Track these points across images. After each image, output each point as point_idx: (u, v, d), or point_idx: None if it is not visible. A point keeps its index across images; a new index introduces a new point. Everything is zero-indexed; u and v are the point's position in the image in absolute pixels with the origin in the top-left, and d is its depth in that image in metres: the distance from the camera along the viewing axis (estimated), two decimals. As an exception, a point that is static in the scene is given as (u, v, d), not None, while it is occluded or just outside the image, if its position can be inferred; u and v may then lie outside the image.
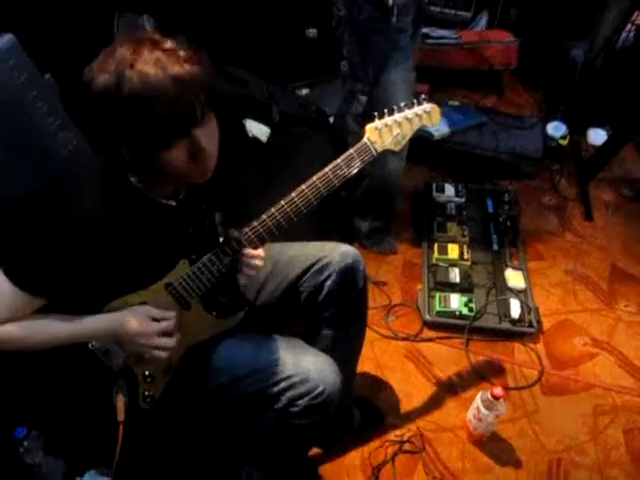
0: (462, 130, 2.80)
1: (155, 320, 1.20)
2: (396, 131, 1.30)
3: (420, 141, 2.68)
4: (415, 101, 1.32)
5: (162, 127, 1.01)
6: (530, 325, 2.10)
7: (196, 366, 1.34)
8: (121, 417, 1.18)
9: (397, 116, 1.29)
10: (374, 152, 1.28)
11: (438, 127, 2.72)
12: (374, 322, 2.12)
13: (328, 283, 1.49)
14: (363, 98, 2.12)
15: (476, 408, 1.75)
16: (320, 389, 1.32)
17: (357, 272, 1.53)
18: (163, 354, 1.21)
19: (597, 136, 3.04)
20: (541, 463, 1.80)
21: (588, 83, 2.91)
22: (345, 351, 1.64)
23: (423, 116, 1.32)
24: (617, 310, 2.26)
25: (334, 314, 1.57)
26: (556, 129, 3.02)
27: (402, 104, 1.30)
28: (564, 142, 2.97)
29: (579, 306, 2.26)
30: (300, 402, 1.33)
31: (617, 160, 2.85)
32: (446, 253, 2.29)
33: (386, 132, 1.29)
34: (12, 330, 1.11)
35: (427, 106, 1.32)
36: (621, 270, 2.42)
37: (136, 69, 0.97)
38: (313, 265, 1.50)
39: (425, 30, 3.04)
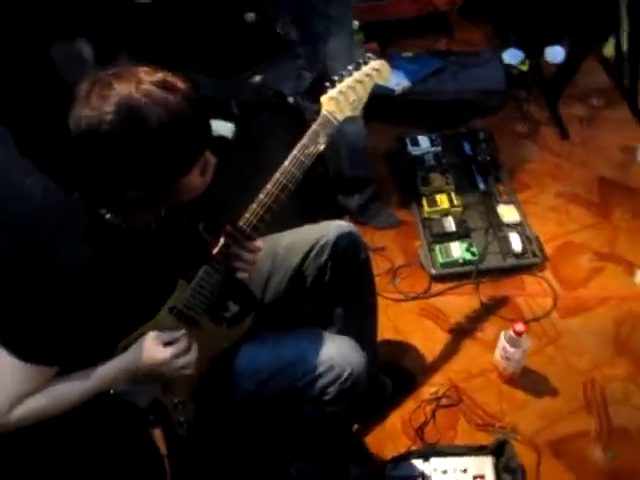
0: (422, 79, 2.76)
1: (168, 344, 1.18)
2: (352, 96, 1.28)
3: (383, 100, 2.66)
4: (361, 61, 1.30)
5: (187, 152, 0.99)
6: (534, 255, 2.11)
7: (220, 379, 1.33)
8: (164, 450, 1.16)
9: (348, 81, 1.28)
10: (335, 122, 1.26)
11: (397, 81, 2.69)
12: (382, 288, 2.11)
13: (331, 262, 1.48)
14: (307, 74, 2.10)
15: (502, 348, 1.77)
16: (347, 372, 1.31)
17: (356, 244, 1.52)
18: (188, 371, 1.19)
19: (555, 53, 3.01)
20: (575, 386, 1.82)
21: (538, 2, 2.88)
22: (362, 326, 1.65)
23: (373, 74, 1.30)
24: (614, 220, 2.28)
25: (343, 291, 1.57)
26: (513, 56, 2.99)
27: (350, 67, 1.28)
28: (524, 67, 2.95)
29: (576, 225, 2.27)
30: (331, 389, 1.32)
31: (580, 73, 2.83)
32: (436, 204, 2.28)
33: (342, 99, 1.27)
34: (37, 402, 1.07)
35: (375, 63, 1.30)
36: (608, 180, 2.43)
37: (154, 98, 0.93)
38: (312, 248, 1.49)
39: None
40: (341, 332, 1.55)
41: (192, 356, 1.20)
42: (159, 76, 0.96)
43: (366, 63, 1.30)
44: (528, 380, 1.85)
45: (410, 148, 2.52)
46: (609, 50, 2.94)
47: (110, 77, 0.95)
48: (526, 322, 1.96)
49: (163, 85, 0.95)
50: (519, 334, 1.68)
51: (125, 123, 0.92)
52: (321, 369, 1.32)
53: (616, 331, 1.95)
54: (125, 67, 0.97)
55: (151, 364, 1.14)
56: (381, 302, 2.03)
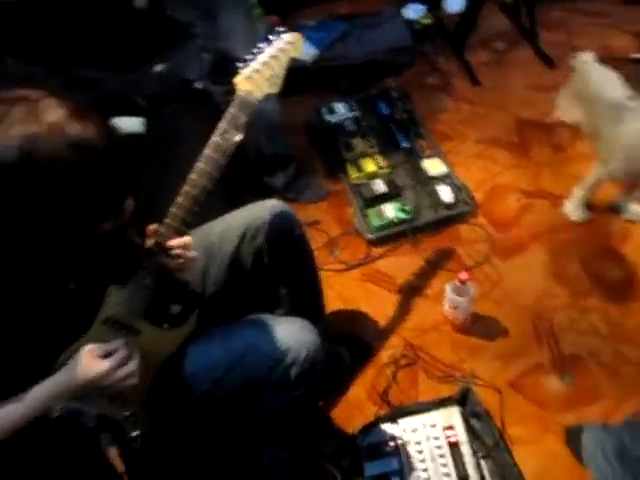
0: (329, 46, 2.72)
1: (106, 355, 1.10)
2: (268, 73, 1.23)
3: (293, 72, 2.58)
4: (274, 36, 1.25)
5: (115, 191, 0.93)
6: (466, 203, 2.14)
7: (172, 384, 1.26)
8: (121, 468, 1.09)
9: (263, 57, 1.23)
10: (255, 101, 1.21)
11: (306, 51, 2.63)
12: (323, 262, 2.07)
13: (267, 243, 1.44)
14: (206, 56, 2.02)
15: (449, 299, 1.78)
16: (304, 354, 1.29)
17: (290, 221, 1.49)
18: (133, 381, 1.11)
19: (454, 3, 3.03)
20: (524, 323, 1.87)
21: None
22: (309, 302, 1.62)
23: (288, 48, 1.27)
24: (535, 157, 2.33)
25: (284, 271, 1.53)
26: (415, 11, 3.00)
27: (263, 44, 1.24)
28: (427, 21, 2.95)
29: (500, 167, 2.31)
30: (290, 374, 1.29)
31: (481, 20, 2.87)
32: (362, 169, 2.26)
33: (258, 77, 1.22)
34: None
35: (288, 37, 1.27)
36: (524, 119, 2.48)
37: (68, 134, 0.86)
38: (245, 233, 1.44)
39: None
40: (290, 312, 1.53)
41: (134, 365, 1.12)
42: (65, 111, 0.87)
43: (280, 36, 1.26)
44: (479, 325, 1.87)
45: (327, 117, 2.48)
46: (506, -6, 2.99)
47: (11, 107, 0.86)
48: (468, 270, 1.98)
49: (72, 118, 0.87)
50: (463, 282, 1.69)
51: (17, 164, 0.84)
52: (276, 355, 1.29)
53: (553, 263, 2.01)
54: (27, 94, 0.88)
55: (90, 379, 1.06)
56: (324, 275, 2.01)
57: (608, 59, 2.63)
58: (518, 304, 1.92)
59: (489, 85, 2.64)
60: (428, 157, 2.30)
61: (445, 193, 2.15)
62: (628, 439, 1.45)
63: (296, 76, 2.59)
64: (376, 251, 2.12)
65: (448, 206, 2.13)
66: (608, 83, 2.00)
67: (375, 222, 2.11)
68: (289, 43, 1.27)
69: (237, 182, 2.21)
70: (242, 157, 2.19)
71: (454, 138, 2.44)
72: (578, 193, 2.07)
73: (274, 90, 1.27)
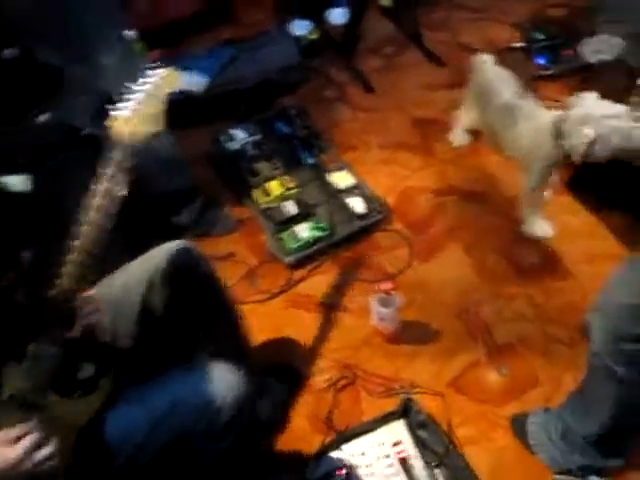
0: (219, 72, 2.65)
1: (18, 439, 0.99)
2: (146, 112, 1.17)
3: (187, 103, 2.51)
4: (145, 74, 1.21)
5: None
6: (379, 212, 2.11)
7: (93, 455, 1.15)
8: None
9: (136, 97, 1.17)
10: (137, 144, 1.15)
11: (195, 81, 2.55)
12: (244, 295, 1.99)
13: (173, 289, 1.35)
14: (89, 99, 1.91)
15: (376, 312, 1.74)
16: (229, 400, 1.24)
17: (194, 260, 1.41)
18: (53, 463, 1.02)
19: (337, 15, 3.04)
20: (454, 322, 1.86)
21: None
22: (230, 341, 1.53)
23: (162, 84, 1.21)
24: (438, 155, 2.36)
25: (198, 314, 1.44)
26: (300, 28, 2.98)
27: (135, 83, 1.19)
28: (314, 36, 2.95)
29: (407, 170, 2.32)
30: (219, 423, 1.24)
31: (367, 28, 2.90)
32: (270, 193, 2.20)
33: (136, 118, 1.16)
34: None
35: (160, 72, 1.22)
36: (421, 119, 2.51)
37: None
38: (149, 279, 1.35)
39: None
40: (212, 356, 1.44)
41: (52, 447, 1.02)
42: None
43: (152, 73, 1.21)
44: (410, 332, 1.84)
45: (228, 144, 2.41)
46: (386, 0, 3.04)
47: None
48: (391, 278, 1.95)
49: None
50: (388, 293, 1.66)
51: None
52: (201, 407, 1.23)
53: (471, 256, 2.02)
54: None
55: (7, 467, 0.96)
56: (247, 308, 1.94)
57: (492, 51, 2.75)
58: (445, 304, 1.91)
59: (383, 90, 2.66)
60: (335, 170, 2.27)
61: (357, 204, 2.13)
62: (570, 418, 1.46)
63: (190, 107, 2.55)
64: (297, 274, 2.05)
65: (362, 217, 2.10)
66: (503, 84, 2.02)
67: (291, 245, 2.05)
68: (163, 78, 1.21)
69: (140, 227, 2.10)
70: (141, 199, 2.11)
71: (358, 147, 2.43)
72: (527, 212, 2.03)
73: (155, 129, 1.20)
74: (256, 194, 2.21)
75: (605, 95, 2.45)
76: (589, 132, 1.65)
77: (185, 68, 2.62)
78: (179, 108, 2.57)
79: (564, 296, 1.90)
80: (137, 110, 1.16)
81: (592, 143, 1.65)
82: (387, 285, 1.65)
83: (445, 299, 1.92)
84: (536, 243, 2.02)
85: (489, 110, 2.03)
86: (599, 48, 2.52)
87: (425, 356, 1.80)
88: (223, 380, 1.27)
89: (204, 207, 2.17)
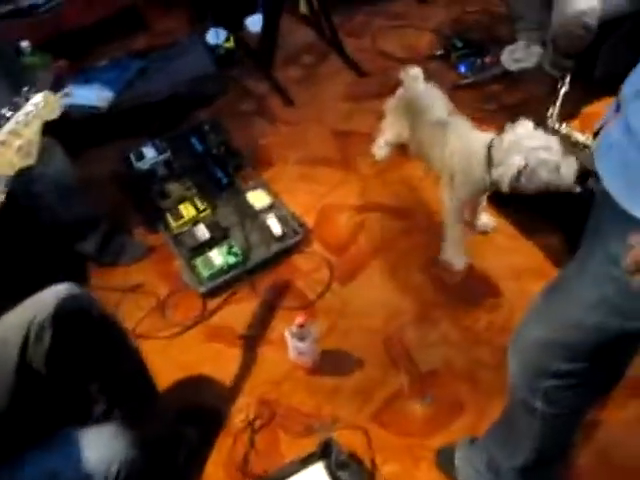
0: (127, 86, 2.47)
1: None
2: (17, 143, 1.05)
3: (91, 120, 2.33)
4: (20, 100, 1.08)
5: None
6: (296, 232, 2.00)
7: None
8: None
9: (7, 128, 1.05)
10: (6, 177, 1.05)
11: (98, 96, 2.36)
12: (154, 329, 1.85)
13: (57, 340, 1.19)
14: None
15: (292, 346, 1.63)
16: (115, 469, 1.11)
17: (83, 305, 1.26)
18: None
19: (255, 22, 2.91)
20: (377, 349, 1.76)
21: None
22: (128, 390, 1.38)
23: (39, 111, 1.09)
24: (358, 170, 2.26)
25: (89, 365, 1.28)
26: (216, 36, 2.84)
27: (4, 111, 1.07)
28: (230, 45, 2.81)
29: (327, 187, 2.21)
30: None
31: (285, 36, 2.79)
32: (182, 216, 2.05)
33: (6, 151, 1.04)
34: None
35: (36, 99, 1.09)
36: (342, 132, 2.41)
37: None
38: (28, 334, 1.19)
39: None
40: (109, 409, 1.30)
41: None
42: None
43: (27, 99, 1.09)
44: (332, 362, 1.74)
45: (137, 164, 2.23)
46: (303, 7, 2.93)
47: None
48: (308, 306, 1.85)
49: None
50: (302, 326, 1.54)
51: None
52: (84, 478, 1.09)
53: (394, 277, 1.93)
54: None
55: None
56: (158, 344, 1.81)
57: (413, 59, 2.69)
58: (367, 330, 1.81)
59: (302, 102, 2.55)
60: (251, 189, 2.14)
61: (274, 225, 2.01)
62: (494, 449, 1.39)
63: (95, 124, 2.36)
64: (212, 303, 1.91)
65: (279, 239, 1.98)
66: (435, 101, 1.93)
67: (205, 272, 1.91)
68: (40, 105, 1.09)
69: (39, 258, 1.92)
70: (40, 229, 1.93)
71: (275, 163, 2.30)
72: (450, 234, 1.93)
73: (28, 162, 1.08)
74: (168, 218, 2.06)
75: (526, 105, 2.44)
76: (517, 162, 1.56)
77: (88, 81, 2.43)
78: (83, 125, 2.40)
79: (491, 315, 1.83)
80: (7, 141, 1.04)
81: (519, 174, 1.57)
82: (300, 318, 1.54)
83: (367, 324, 1.82)
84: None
85: (419, 127, 1.92)
86: (519, 56, 2.50)
87: (347, 388, 1.70)
88: (108, 448, 1.14)
89: (109, 234, 2.00)
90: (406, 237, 2.04)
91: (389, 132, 2.16)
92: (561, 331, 1.06)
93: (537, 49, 2.51)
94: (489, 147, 1.66)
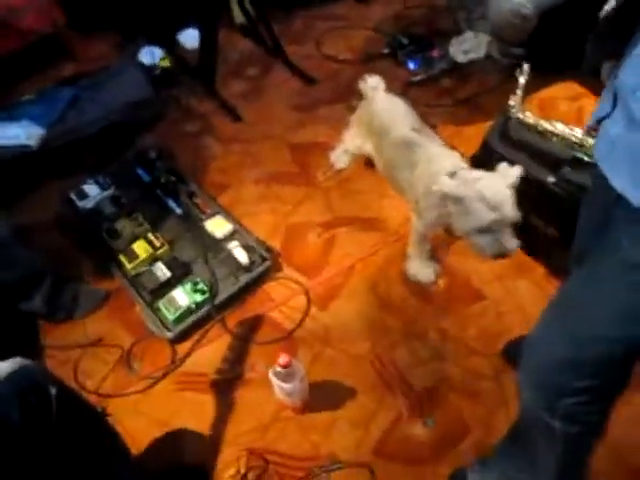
0: (58, 119, 2.27)
1: None
2: None
3: (20, 161, 2.12)
4: None
5: None
6: (264, 259, 1.85)
7: None
8: None
9: None
10: None
11: (27, 133, 2.15)
12: (122, 384, 1.67)
13: (17, 421, 1.02)
14: None
15: (278, 387, 1.48)
16: None
17: (38, 381, 1.09)
18: None
19: (190, 37, 2.76)
20: (367, 374, 1.64)
21: None
22: (96, 462, 1.21)
23: None
24: (319, 183, 2.13)
25: (52, 442, 1.11)
26: (151, 56, 2.67)
27: None
28: (166, 63, 2.64)
29: (289, 204, 2.08)
30: None
31: (225, 49, 2.65)
32: (137, 256, 1.87)
33: None
34: None
35: None
36: (297, 144, 2.28)
37: None
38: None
39: None
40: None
41: None
42: None
43: None
44: (321, 395, 1.60)
45: (80, 203, 2.05)
46: (239, 17, 2.79)
47: None
48: (289, 334, 1.71)
49: None
50: (287, 366, 1.40)
51: None
52: None
53: (374, 293, 1.82)
54: None
55: None
56: (128, 400, 1.64)
57: (361, 60, 2.59)
58: (354, 355, 1.68)
59: (252, 117, 2.40)
60: (209, 217, 1.99)
61: (239, 254, 1.86)
62: (511, 471, 1.29)
63: (25, 166, 2.15)
64: (182, 348, 1.75)
65: (247, 268, 1.83)
66: (400, 115, 1.76)
67: (170, 315, 1.74)
68: None
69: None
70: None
71: (231, 186, 2.15)
72: (412, 254, 1.81)
73: None
74: (121, 259, 1.88)
75: (481, 96, 2.37)
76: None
77: (13, 118, 2.22)
78: (13, 167, 2.19)
79: (479, 321, 1.74)
80: None
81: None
82: (284, 358, 1.39)
83: (354, 348, 1.70)
84: (442, 266, 1.86)
85: (384, 147, 1.76)
86: (468, 47, 2.43)
87: (343, 422, 1.56)
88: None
89: (58, 286, 1.80)
90: (381, 249, 1.92)
91: (350, 142, 2.02)
92: (583, 348, 0.97)
93: (485, 38, 2.45)
94: (451, 172, 1.49)
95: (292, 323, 1.76)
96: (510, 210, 1.40)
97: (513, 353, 1.63)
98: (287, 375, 1.42)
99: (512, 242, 1.44)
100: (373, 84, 1.87)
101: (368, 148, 1.88)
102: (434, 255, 1.85)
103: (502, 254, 1.45)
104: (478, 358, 1.66)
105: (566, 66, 2.42)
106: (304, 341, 1.72)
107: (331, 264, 1.90)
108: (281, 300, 1.82)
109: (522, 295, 1.79)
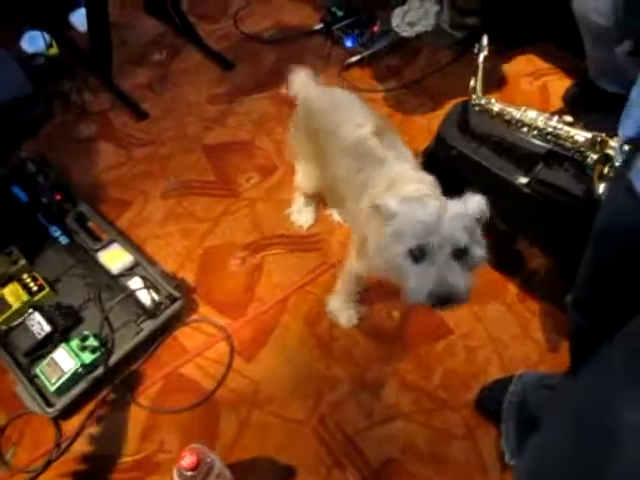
0: None
1: None
2: None
3: None
4: None
5: None
6: (173, 299, 1.46)
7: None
8: None
9: None
10: None
11: None
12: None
13: None
14: None
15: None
16: None
17: None
18: None
19: (81, 18, 2.28)
20: (310, 441, 1.29)
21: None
22: None
23: None
24: (244, 192, 1.74)
25: None
26: (32, 42, 2.20)
27: None
28: (54, 51, 2.17)
29: (205, 223, 1.68)
30: None
31: (126, 29, 2.20)
32: (8, 305, 1.45)
33: None
34: None
35: None
36: (214, 145, 1.87)
37: None
38: None
39: None
40: None
41: None
42: None
43: None
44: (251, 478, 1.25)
45: None
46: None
47: None
48: (209, 396, 1.34)
49: None
50: (194, 468, 1.02)
51: None
52: None
53: (314, 334, 1.45)
54: None
55: None
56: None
57: (289, 38, 2.19)
58: (292, 419, 1.32)
59: (159, 113, 1.98)
60: (104, 247, 1.57)
61: (141, 293, 1.46)
62: None
63: None
64: (69, 426, 1.34)
65: (152, 312, 1.44)
66: (345, 111, 1.32)
67: (51, 385, 1.33)
68: None
69: None
70: None
71: (133, 202, 1.73)
72: (337, 299, 1.46)
73: None
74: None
75: (432, 78, 2.02)
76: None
77: None
78: None
79: (445, 362, 1.40)
80: None
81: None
82: (188, 460, 1.01)
83: (290, 410, 1.34)
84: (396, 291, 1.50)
85: (328, 155, 1.32)
86: (413, 18, 2.06)
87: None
88: None
89: None
90: (320, 275, 1.56)
91: (306, 181, 1.53)
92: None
93: (433, 7, 2.08)
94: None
95: (212, 380, 1.39)
96: (457, 231, 0.98)
97: (489, 402, 1.32)
98: (197, 477, 1.04)
99: (458, 278, 0.97)
100: (300, 80, 1.44)
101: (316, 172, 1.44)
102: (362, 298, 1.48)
103: (444, 295, 0.96)
104: (446, 412, 1.32)
105: (526, 38, 2.12)
106: (227, 404, 1.35)
107: (258, 299, 1.52)
108: (197, 350, 1.44)
109: (493, 323, 1.46)
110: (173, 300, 1.45)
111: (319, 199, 1.62)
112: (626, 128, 0.71)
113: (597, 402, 0.68)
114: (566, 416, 0.74)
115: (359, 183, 1.21)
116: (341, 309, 1.44)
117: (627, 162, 0.73)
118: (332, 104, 1.36)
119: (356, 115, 1.30)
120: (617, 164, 1.02)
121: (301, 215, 1.64)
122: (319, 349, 1.43)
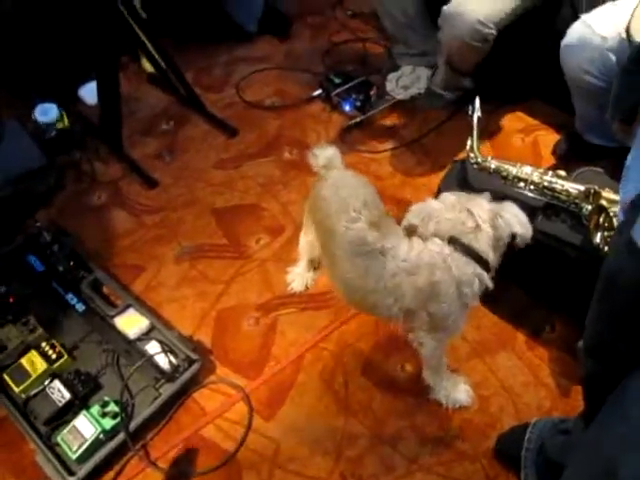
0: None
1: None
2: None
3: None
4: None
5: None
6: (191, 361, 1.49)
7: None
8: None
9: None
10: None
11: None
12: None
13: None
14: None
15: None
16: None
17: None
18: None
19: (92, 92, 2.39)
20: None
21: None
22: None
23: None
24: (253, 254, 1.79)
25: None
26: (45, 114, 2.29)
27: None
28: (64, 123, 2.26)
29: (218, 285, 1.72)
30: None
31: (134, 101, 2.31)
32: (28, 374, 1.47)
33: None
34: None
35: None
36: (223, 209, 1.94)
37: None
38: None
39: None
40: None
41: None
42: None
43: None
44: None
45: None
46: (148, 65, 2.45)
47: None
48: (231, 457, 1.35)
49: None
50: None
51: None
52: None
53: (331, 390, 1.48)
54: None
55: None
56: None
57: (291, 105, 2.29)
58: (314, 476, 1.33)
59: (168, 181, 2.05)
60: (120, 312, 1.61)
61: (159, 358, 1.49)
62: None
63: None
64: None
65: (170, 376, 1.46)
66: (341, 201, 1.29)
67: (72, 453, 1.34)
68: None
69: None
70: None
71: (147, 267, 1.78)
72: (438, 380, 1.42)
73: None
74: (8, 380, 1.47)
75: (428, 137, 2.12)
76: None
77: None
78: None
79: (461, 412, 1.42)
80: None
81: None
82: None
83: (311, 467, 1.35)
84: (409, 346, 1.53)
85: (331, 248, 1.31)
86: (406, 82, 2.18)
87: None
88: None
89: None
90: (334, 330, 1.59)
91: (305, 246, 1.59)
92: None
93: (424, 72, 2.21)
94: None
95: (232, 441, 1.40)
96: None
97: (507, 451, 1.34)
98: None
99: None
100: (324, 158, 1.40)
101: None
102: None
103: None
104: (465, 463, 1.34)
105: (516, 96, 2.23)
106: (249, 464, 1.36)
107: (274, 358, 1.55)
108: (216, 412, 1.45)
109: (504, 372, 1.49)
110: (191, 363, 1.48)
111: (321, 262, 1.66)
112: (627, 192, 0.76)
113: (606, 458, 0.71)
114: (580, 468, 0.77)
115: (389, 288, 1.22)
116: (453, 392, 1.42)
117: (627, 221, 0.77)
118: (334, 190, 1.33)
119: (354, 203, 1.26)
120: (618, 222, 1.06)
121: (296, 279, 1.68)
122: (336, 404, 1.45)
